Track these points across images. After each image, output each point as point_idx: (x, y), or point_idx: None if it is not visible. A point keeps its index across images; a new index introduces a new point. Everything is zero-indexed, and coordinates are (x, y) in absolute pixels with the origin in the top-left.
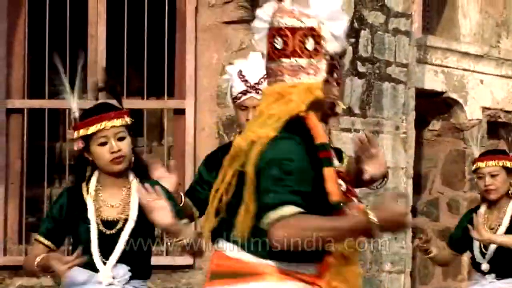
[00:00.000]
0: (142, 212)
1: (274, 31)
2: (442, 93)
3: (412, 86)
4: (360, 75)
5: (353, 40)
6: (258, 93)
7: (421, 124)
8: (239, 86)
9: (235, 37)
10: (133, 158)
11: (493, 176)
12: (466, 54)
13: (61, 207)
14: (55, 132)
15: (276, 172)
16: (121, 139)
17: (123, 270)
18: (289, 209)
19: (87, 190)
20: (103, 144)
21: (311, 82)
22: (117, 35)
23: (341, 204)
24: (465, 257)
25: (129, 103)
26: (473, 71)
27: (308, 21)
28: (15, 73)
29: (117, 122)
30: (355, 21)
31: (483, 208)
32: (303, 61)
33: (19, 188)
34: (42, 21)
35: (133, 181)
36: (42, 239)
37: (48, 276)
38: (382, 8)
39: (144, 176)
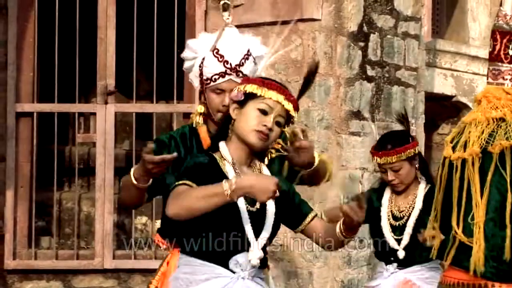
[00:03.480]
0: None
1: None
2: (451, 96)
3: (421, 90)
4: (369, 79)
5: (362, 44)
6: (238, 75)
7: (430, 127)
8: (215, 67)
9: None
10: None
11: (395, 171)
12: (475, 57)
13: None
14: (65, 135)
15: None
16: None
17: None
18: None
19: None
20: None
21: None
22: (127, 38)
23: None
24: None
25: (139, 107)
26: (483, 75)
27: None
28: (24, 77)
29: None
30: (364, 25)
31: (388, 193)
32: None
33: (28, 192)
34: (52, 25)
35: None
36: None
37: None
38: (391, 12)
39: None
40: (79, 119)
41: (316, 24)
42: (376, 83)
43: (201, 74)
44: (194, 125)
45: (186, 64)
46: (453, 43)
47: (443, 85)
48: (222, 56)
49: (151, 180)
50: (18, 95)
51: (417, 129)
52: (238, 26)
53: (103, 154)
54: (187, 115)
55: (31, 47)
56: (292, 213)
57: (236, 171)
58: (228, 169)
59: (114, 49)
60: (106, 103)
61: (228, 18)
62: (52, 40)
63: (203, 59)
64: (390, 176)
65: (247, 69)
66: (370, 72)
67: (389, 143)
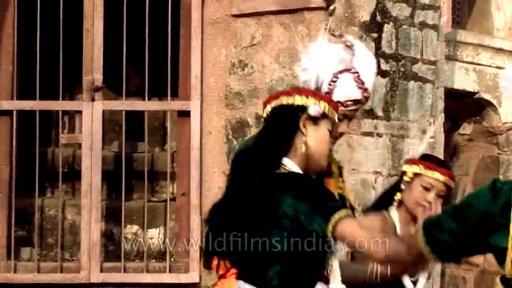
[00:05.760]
0: None
1: None
2: (474, 93)
3: (440, 86)
4: (383, 74)
5: (375, 35)
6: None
7: (450, 127)
8: (352, 92)
9: (245, 32)
10: None
11: (439, 196)
12: (500, 50)
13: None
14: (47, 136)
15: None
16: None
17: None
18: None
19: None
20: None
21: None
22: (116, 29)
23: None
24: (497, 279)
25: (129, 105)
26: None
27: None
28: (3, 71)
29: None
30: (377, 14)
31: (396, 215)
32: None
33: (7, 198)
34: (33, 14)
35: None
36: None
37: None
38: (407, 0)
39: None
40: (63, 118)
41: (324, 13)
42: (390, 78)
43: (327, 92)
44: None
45: (304, 76)
46: (476, 34)
47: (464, 80)
48: (363, 83)
49: None
50: None
51: (436, 129)
52: (239, 16)
53: (89, 157)
54: (182, 113)
55: (10, 38)
56: None
57: None
58: None
59: (101, 41)
60: (92, 100)
61: (326, 27)
62: (34, 31)
63: (334, 76)
64: (431, 197)
65: None
66: (384, 66)
67: (445, 164)
